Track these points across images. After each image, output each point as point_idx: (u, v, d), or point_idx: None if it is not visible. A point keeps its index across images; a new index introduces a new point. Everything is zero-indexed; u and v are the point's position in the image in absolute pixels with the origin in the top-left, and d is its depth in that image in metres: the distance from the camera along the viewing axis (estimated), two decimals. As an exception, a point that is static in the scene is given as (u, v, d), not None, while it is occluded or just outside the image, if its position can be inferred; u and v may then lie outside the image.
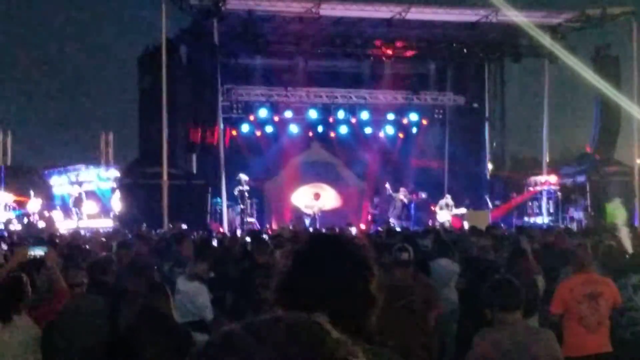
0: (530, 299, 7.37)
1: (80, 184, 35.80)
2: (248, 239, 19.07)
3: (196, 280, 11.72)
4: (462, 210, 36.22)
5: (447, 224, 34.35)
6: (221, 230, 30.20)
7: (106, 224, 32.63)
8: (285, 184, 39.20)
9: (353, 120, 39.93)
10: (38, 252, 10.50)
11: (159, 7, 30.99)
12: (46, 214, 34.87)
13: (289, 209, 37.95)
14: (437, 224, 34.75)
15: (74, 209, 34.97)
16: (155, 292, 8.55)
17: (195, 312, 11.30)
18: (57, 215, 34.90)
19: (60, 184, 37.44)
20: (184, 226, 28.14)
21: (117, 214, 33.42)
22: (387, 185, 36.79)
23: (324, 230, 24.66)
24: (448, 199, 36.77)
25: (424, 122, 41.28)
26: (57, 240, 19.48)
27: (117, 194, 33.70)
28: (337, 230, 23.48)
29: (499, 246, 15.22)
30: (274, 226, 34.80)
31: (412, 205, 36.98)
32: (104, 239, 20.26)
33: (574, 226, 29.23)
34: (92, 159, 37.66)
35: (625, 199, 33.23)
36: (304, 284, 3.20)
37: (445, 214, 36.07)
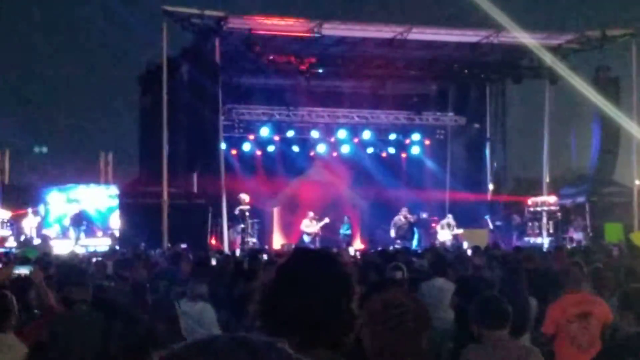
0: (519, 318, 7.37)
1: (78, 201, 35.78)
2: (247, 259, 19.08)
3: (200, 301, 11.77)
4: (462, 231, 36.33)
5: (447, 244, 34.45)
6: (221, 248, 30.26)
7: (104, 243, 32.60)
8: (287, 204, 39.22)
9: (355, 140, 40.01)
10: (23, 271, 10.46)
11: (160, 25, 31.10)
12: (42, 231, 34.83)
13: (291, 229, 37.92)
14: (437, 243, 34.83)
15: (72, 228, 34.91)
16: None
17: (203, 332, 11.30)
18: (53, 233, 34.87)
19: (58, 201, 37.38)
20: (184, 246, 28.14)
21: (114, 233, 33.41)
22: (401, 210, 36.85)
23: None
24: (450, 219, 36.85)
25: (427, 142, 41.38)
26: (49, 259, 19.43)
27: (117, 212, 33.69)
28: (334, 249, 23.45)
29: (496, 265, 15.24)
30: (275, 246, 34.82)
31: (415, 225, 36.99)
32: (100, 259, 20.24)
33: (573, 246, 29.13)
34: (92, 178, 37.65)
35: (625, 220, 33.23)
36: (287, 298, 3.24)
37: (446, 233, 36.15)
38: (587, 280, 11.37)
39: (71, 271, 14.40)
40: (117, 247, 29.35)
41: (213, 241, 33.07)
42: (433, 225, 37.89)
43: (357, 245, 35.30)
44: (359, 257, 22.26)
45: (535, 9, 50.17)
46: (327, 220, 36.43)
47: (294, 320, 3.21)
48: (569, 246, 29.45)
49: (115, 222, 33.60)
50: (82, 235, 34.42)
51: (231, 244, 32.84)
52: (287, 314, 3.22)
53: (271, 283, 3.32)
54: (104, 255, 22.93)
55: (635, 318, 7.71)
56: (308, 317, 3.20)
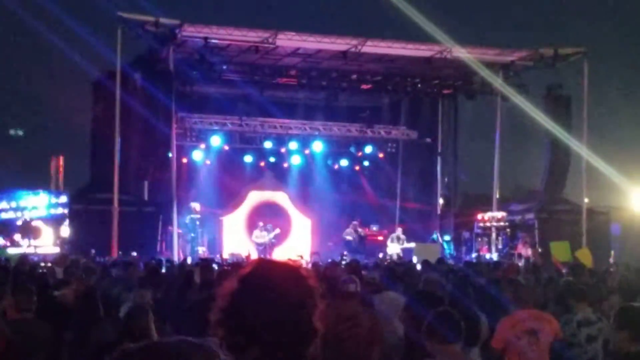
0: (469, 332, 7.43)
1: (22, 210, 35.28)
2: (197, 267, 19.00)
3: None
4: (413, 244, 36.47)
5: (395, 257, 34.62)
6: (170, 256, 30.15)
7: (53, 251, 32.25)
8: (237, 214, 39.18)
9: (307, 152, 40.07)
10: None
11: (115, 32, 30.95)
12: None
13: (241, 239, 37.87)
14: (387, 256, 34.96)
15: (18, 235, 34.45)
16: (138, 313, 8.49)
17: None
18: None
19: (2, 209, 36.80)
20: (134, 253, 28.02)
21: (64, 240, 33.08)
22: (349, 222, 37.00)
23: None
24: (399, 232, 37.00)
25: (381, 155, 41.53)
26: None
27: (66, 220, 33.37)
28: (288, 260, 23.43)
29: (446, 280, 15.32)
30: (225, 255, 34.73)
31: (364, 238, 37.09)
32: (50, 264, 20.08)
33: (521, 263, 29.35)
34: (42, 183, 37.22)
35: (573, 238, 33.55)
36: (248, 308, 3.25)
37: (395, 246, 36.29)
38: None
39: (21, 277, 14.31)
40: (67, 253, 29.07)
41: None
42: (380, 238, 38.04)
43: (307, 257, 35.30)
44: (310, 268, 22.28)
45: (489, 26, 50.56)
46: (277, 231, 36.44)
47: (255, 331, 3.23)
48: (513, 262, 29.71)
49: (64, 230, 33.25)
50: (29, 242, 34.03)
51: (180, 252, 32.71)
52: (248, 324, 3.23)
53: (233, 293, 3.33)
54: (54, 261, 22.72)
55: (630, 337, 7.76)
56: (269, 328, 3.21)
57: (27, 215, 34.93)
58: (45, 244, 33.88)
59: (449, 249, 38.29)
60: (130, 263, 17.37)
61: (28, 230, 34.31)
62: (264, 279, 3.34)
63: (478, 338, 8.85)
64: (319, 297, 3.36)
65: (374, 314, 10.92)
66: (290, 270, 3.44)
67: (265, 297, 3.26)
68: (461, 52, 34.33)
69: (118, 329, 8.66)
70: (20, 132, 47.82)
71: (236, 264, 17.96)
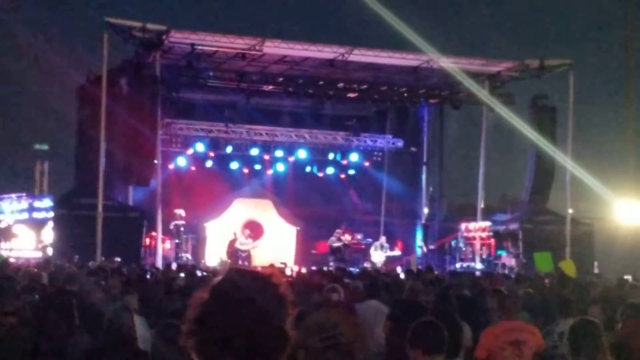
0: (452, 342, 7.42)
1: (3, 213, 35.00)
2: (182, 274, 19.02)
3: (134, 314, 11.72)
4: (397, 253, 36.56)
5: (378, 265, 34.70)
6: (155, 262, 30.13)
7: (36, 255, 32.08)
8: (221, 221, 39.13)
9: (292, 159, 40.07)
10: None
11: (101, 37, 30.88)
12: None
13: (225, 246, 37.79)
14: (369, 264, 35.00)
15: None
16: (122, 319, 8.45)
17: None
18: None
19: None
20: (118, 259, 27.95)
21: (46, 245, 32.91)
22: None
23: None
24: (382, 241, 37.05)
25: (367, 164, 41.58)
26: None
27: (49, 225, 33.19)
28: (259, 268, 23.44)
29: (429, 289, 15.33)
30: (208, 262, 34.69)
31: (348, 246, 37.08)
32: (35, 270, 19.98)
33: (505, 273, 29.40)
34: (27, 188, 37.01)
35: (556, 249, 33.60)
36: (220, 318, 3.24)
37: (379, 254, 36.35)
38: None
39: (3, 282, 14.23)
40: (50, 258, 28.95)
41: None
42: (362, 246, 38.08)
43: (293, 266, 35.27)
44: (294, 276, 22.29)
45: (475, 37, 50.66)
46: (262, 238, 36.42)
47: (227, 341, 3.22)
48: (498, 271, 29.79)
49: (47, 234, 33.07)
50: (11, 246, 33.83)
51: (164, 259, 32.64)
52: (219, 335, 3.23)
53: (204, 303, 3.33)
54: (39, 266, 22.62)
55: (579, 350, 7.79)
56: (241, 337, 3.21)
57: (7, 220, 34.65)
58: (26, 248, 33.64)
59: (432, 259, 38.33)
60: (113, 269, 17.30)
61: (6, 233, 34.05)
62: (234, 288, 3.33)
63: (460, 348, 8.85)
64: (290, 305, 3.37)
65: (356, 322, 10.90)
66: (261, 278, 3.43)
67: (236, 307, 3.25)
68: (447, 62, 34.40)
69: (98, 336, 8.62)
70: None
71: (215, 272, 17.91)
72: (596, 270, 31.81)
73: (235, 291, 3.31)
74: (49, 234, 33.04)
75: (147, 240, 33.41)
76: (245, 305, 3.26)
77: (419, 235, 41.00)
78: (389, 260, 36.30)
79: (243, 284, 3.36)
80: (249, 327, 3.22)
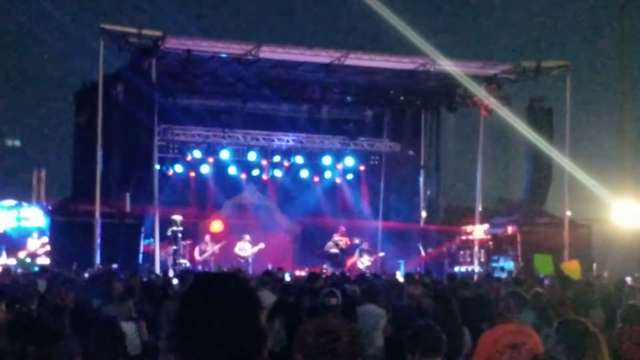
0: (451, 346, 7.40)
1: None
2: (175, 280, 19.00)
3: (130, 321, 11.77)
4: (381, 254, 37.08)
5: (364, 269, 34.96)
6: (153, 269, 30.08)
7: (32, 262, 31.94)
8: (219, 226, 39.08)
9: (289, 164, 40.02)
10: None
11: (97, 43, 30.84)
12: None
13: (224, 251, 37.72)
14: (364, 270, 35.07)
15: None
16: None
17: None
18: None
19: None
20: (115, 266, 27.89)
21: (35, 252, 32.79)
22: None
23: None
24: (365, 245, 37.36)
25: (362, 167, 41.52)
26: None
27: (35, 234, 33.11)
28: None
29: (428, 293, 15.31)
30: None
31: (345, 250, 37.07)
32: (32, 277, 19.97)
33: (504, 276, 29.38)
34: (24, 195, 36.95)
35: (555, 251, 33.57)
36: (194, 323, 3.28)
37: (365, 259, 36.74)
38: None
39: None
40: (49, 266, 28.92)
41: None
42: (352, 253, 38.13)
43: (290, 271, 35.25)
44: (291, 282, 22.25)
45: (471, 39, 50.70)
46: (262, 245, 36.37)
47: (205, 342, 3.27)
48: (497, 275, 29.74)
49: (33, 244, 32.92)
50: (4, 254, 33.69)
51: (162, 265, 32.60)
52: (197, 337, 3.27)
53: (178, 315, 3.38)
54: (36, 273, 22.59)
55: (565, 350, 7.78)
56: (218, 338, 3.26)
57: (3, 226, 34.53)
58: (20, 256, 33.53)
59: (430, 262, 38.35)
60: (111, 275, 17.26)
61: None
62: (204, 293, 3.39)
63: (460, 352, 8.83)
64: (259, 301, 3.42)
65: (354, 327, 10.88)
66: (228, 279, 3.48)
67: (209, 311, 3.31)
68: (444, 65, 34.36)
69: (90, 342, 8.58)
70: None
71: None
72: (595, 272, 31.76)
73: (204, 297, 3.37)
74: (33, 243, 32.95)
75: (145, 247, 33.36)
76: (216, 308, 3.31)
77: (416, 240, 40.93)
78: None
79: (212, 288, 3.42)
80: (223, 329, 3.26)
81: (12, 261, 32.33)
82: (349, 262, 36.95)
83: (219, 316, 3.30)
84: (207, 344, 3.24)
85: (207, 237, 36.51)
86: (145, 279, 21.19)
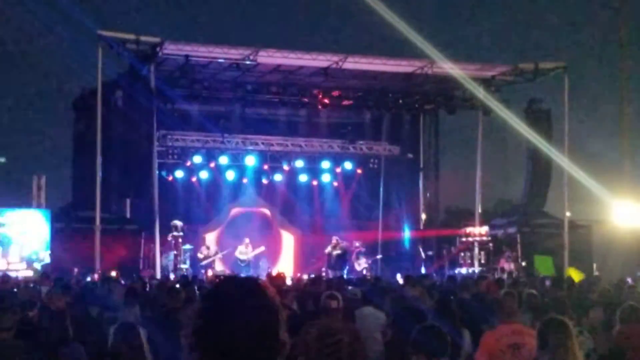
0: (453, 347, 7.44)
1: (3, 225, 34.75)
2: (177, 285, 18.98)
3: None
4: (379, 256, 37.05)
5: (364, 271, 34.96)
6: (154, 274, 30.09)
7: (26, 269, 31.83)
8: (219, 231, 39.09)
9: (287, 168, 40.01)
10: None
11: (96, 50, 30.85)
12: None
13: (225, 255, 37.75)
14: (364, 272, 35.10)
15: None
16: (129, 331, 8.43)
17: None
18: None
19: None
20: (113, 273, 27.87)
21: (39, 258, 32.75)
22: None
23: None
24: (360, 247, 37.27)
25: (359, 171, 41.50)
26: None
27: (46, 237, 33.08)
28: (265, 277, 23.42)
29: (429, 295, 15.34)
30: (208, 273, 34.64)
31: (345, 253, 37.07)
32: (32, 284, 19.97)
33: (504, 277, 29.39)
34: (24, 202, 36.90)
35: (555, 252, 33.60)
36: (215, 327, 3.27)
37: (362, 261, 36.69)
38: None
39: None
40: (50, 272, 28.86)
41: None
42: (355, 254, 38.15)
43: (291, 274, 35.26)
44: (293, 285, 22.27)
45: (469, 41, 50.76)
46: (262, 248, 36.41)
47: (223, 348, 3.27)
48: (496, 276, 29.74)
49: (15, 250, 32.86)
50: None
51: (163, 270, 32.60)
52: (216, 341, 3.27)
53: (200, 313, 3.37)
54: (36, 280, 22.60)
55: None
56: (236, 344, 3.26)
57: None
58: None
59: (431, 264, 38.35)
60: (112, 282, 17.28)
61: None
62: (225, 296, 3.38)
63: (460, 354, 8.87)
64: (280, 309, 3.42)
65: (355, 329, 10.91)
66: (250, 285, 3.48)
67: (227, 314, 3.30)
68: (442, 68, 34.39)
69: (93, 349, 8.62)
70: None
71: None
72: (595, 273, 31.79)
73: (226, 300, 3.36)
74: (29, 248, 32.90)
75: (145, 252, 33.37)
76: (237, 312, 3.31)
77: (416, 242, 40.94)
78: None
79: (234, 292, 3.41)
80: (242, 335, 3.27)
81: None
82: (348, 264, 36.91)
83: (238, 320, 3.30)
84: (225, 345, 3.27)
85: (246, 242, 36.46)
86: (147, 285, 21.19)
